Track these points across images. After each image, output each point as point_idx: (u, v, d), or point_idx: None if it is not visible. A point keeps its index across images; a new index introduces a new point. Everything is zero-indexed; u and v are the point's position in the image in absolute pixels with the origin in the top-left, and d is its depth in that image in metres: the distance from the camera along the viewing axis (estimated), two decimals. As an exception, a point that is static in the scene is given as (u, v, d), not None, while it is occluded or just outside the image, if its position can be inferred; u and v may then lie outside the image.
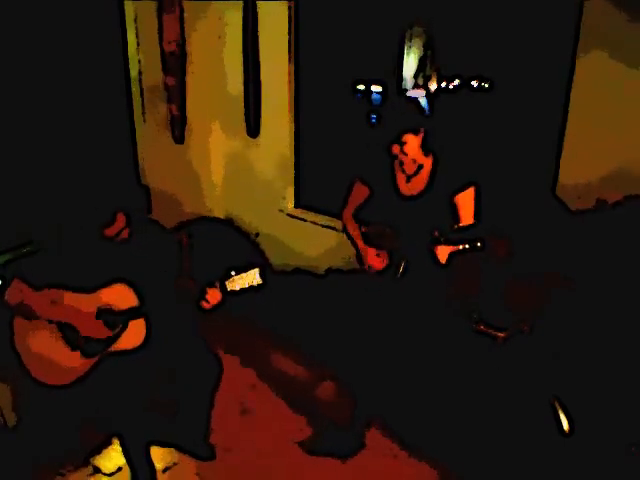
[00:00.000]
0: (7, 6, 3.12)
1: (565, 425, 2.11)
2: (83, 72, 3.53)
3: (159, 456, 2.31)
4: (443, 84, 3.04)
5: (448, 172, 2.12)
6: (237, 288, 2.01)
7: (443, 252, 2.05)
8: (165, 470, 2.29)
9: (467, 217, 2.10)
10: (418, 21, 2.99)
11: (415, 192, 2.15)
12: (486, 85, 2.88)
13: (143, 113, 3.83)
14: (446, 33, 2.92)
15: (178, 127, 3.74)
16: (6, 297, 1.88)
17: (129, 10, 3.59)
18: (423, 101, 3.26)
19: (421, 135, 2.06)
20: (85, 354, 1.97)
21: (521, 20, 2.61)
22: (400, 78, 3.11)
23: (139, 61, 3.70)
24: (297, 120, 3.48)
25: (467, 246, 1.98)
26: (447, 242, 2.01)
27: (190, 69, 3.61)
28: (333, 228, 3.32)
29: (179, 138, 3.78)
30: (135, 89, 3.80)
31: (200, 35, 3.53)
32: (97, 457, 2.35)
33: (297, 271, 3.61)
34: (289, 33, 3.25)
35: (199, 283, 2.04)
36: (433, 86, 3.07)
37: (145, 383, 2.01)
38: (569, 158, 2.46)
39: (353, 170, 2.37)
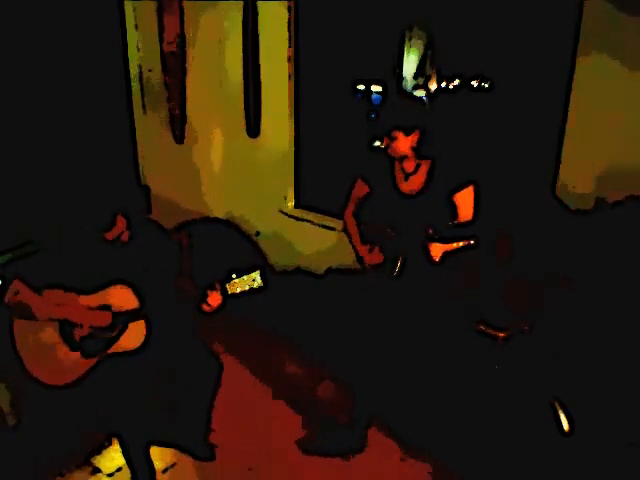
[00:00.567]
0: (7, 6, 3.12)
1: (565, 425, 2.11)
2: (83, 72, 3.53)
3: (159, 456, 2.30)
4: (443, 84, 3.04)
5: (448, 171, 2.12)
6: (238, 291, 2.02)
7: (437, 250, 2.05)
8: (165, 470, 2.29)
9: (466, 216, 2.11)
10: (418, 21, 2.99)
11: (414, 190, 2.15)
12: (486, 85, 2.88)
13: (143, 113, 3.84)
14: (446, 33, 2.92)
15: (178, 127, 3.74)
16: (6, 298, 1.88)
17: (129, 10, 3.60)
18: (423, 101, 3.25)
19: (414, 136, 2.05)
20: (85, 355, 1.97)
21: (521, 20, 2.61)
22: (400, 78, 3.10)
23: (139, 61, 3.70)
24: (297, 120, 3.48)
25: (461, 244, 1.98)
26: (441, 240, 2.01)
27: (190, 69, 3.61)
28: (333, 228, 3.33)
29: (179, 138, 3.78)
30: (135, 89, 3.80)
31: (200, 35, 3.53)
32: (97, 457, 2.35)
33: (297, 271, 3.61)
34: (289, 33, 3.25)
35: (199, 284, 2.04)
36: (433, 86, 3.07)
37: (145, 383, 2.01)
38: (569, 158, 2.46)
39: (353, 170, 2.37)
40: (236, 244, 3.81)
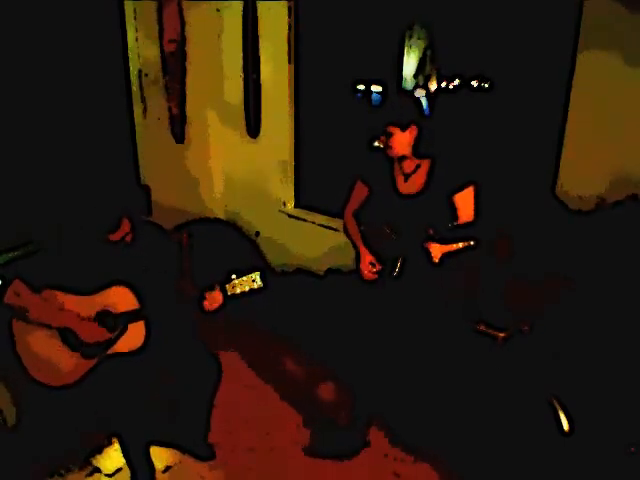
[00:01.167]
0: (7, 6, 3.12)
1: (565, 425, 2.11)
2: (83, 72, 3.53)
3: (159, 456, 2.30)
4: (443, 84, 3.04)
5: (448, 172, 2.12)
6: (237, 291, 2.01)
7: (436, 250, 2.05)
8: (165, 470, 2.29)
9: (466, 217, 2.10)
10: (418, 21, 2.99)
11: (413, 191, 2.15)
12: (486, 85, 2.88)
13: (143, 113, 3.84)
14: (446, 33, 2.92)
15: (178, 127, 3.74)
16: (6, 299, 1.88)
17: (129, 10, 3.60)
18: (423, 101, 3.25)
19: (411, 132, 2.05)
20: (85, 355, 1.96)
21: (521, 20, 2.61)
22: (400, 78, 3.11)
23: (139, 61, 3.70)
24: (297, 120, 3.48)
25: (460, 245, 1.98)
26: (441, 241, 2.01)
27: (190, 69, 3.61)
28: (333, 228, 3.32)
29: (179, 138, 3.78)
30: (135, 89, 3.80)
31: (200, 35, 3.53)
32: (97, 457, 2.35)
33: (297, 271, 3.61)
34: (289, 33, 3.25)
35: (199, 284, 2.04)
36: (433, 86, 3.07)
37: (145, 383, 2.01)
38: (569, 158, 2.45)
39: (353, 170, 2.37)
40: (236, 244, 3.80)
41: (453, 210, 2.11)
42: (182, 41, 3.53)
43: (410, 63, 3.09)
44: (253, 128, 3.56)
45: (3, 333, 1.95)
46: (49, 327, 1.93)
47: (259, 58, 3.39)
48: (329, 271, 3.32)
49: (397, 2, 2.97)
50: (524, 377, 2.26)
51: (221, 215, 3.96)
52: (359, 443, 2.38)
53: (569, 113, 2.41)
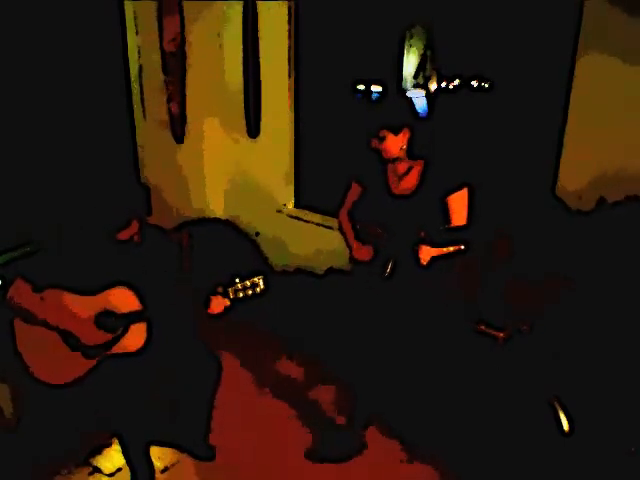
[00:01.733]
0: (7, 6, 3.12)
1: (565, 425, 2.11)
2: (83, 72, 3.53)
3: (159, 456, 2.31)
4: (443, 84, 3.04)
5: (443, 173, 2.10)
6: (240, 295, 2.01)
7: (426, 253, 2.03)
8: (165, 470, 2.29)
9: (459, 219, 2.08)
10: (418, 21, 2.99)
11: (406, 192, 2.15)
12: (486, 85, 2.88)
13: (143, 113, 3.84)
14: (446, 33, 2.92)
15: (178, 127, 3.74)
16: (8, 298, 1.88)
17: (129, 10, 3.59)
18: (423, 101, 3.26)
19: (404, 135, 2.03)
20: (86, 355, 1.96)
21: (521, 20, 2.61)
22: (400, 78, 3.11)
23: (139, 61, 3.70)
24: (297, 120, 3.48)
25: (451, 249, 1.96)
26: (431, 244, 1.99)
27: (190, 69, 3.61)
28: (333, 228, 3.32)
29: (179, 138, 3.78)
30: (135, 89, 3.80)
31: (200, 35, 3.53)
32: (97, 457, 2.35)
33: (297, 271, 3.61)
34: (289, 33, 3.25)
35: (199, 284, 2.04)
36: (433, 86, 3.08)
37: (145, 383, 2.01)
38: (569, 158, 2.46)
39: (352, 170, 2.37)
40: (236, 244, 3.80)
41: (446, 213, 2.09)
42: (182, 41, 3.53)
43: (410, 63, 3.09)
44: (253, 128, 3.57)
45: (4, 332, 1.95)
46: (50, 328, 1.92)
47: (259, 58, 3.39)
48: (329, 271, 3.32)
49: (397, 2, 2.97)
50: (524, 377, 2.26)
51: (221, 215, 3.96)
52: (359, 444, 2.38)
53: (569, 113, 2.41)
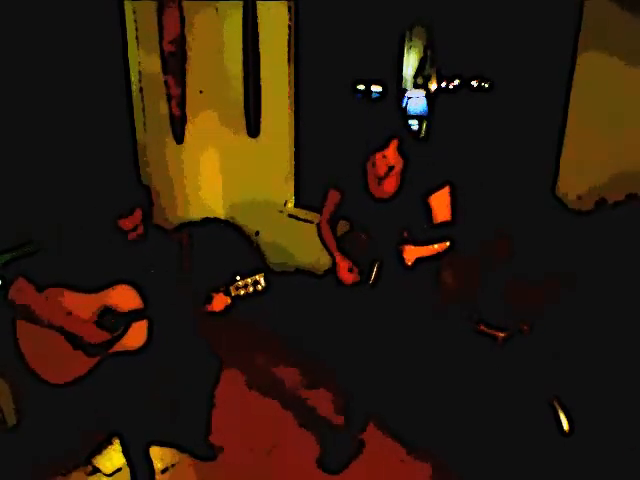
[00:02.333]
0: (7, 6, 3.12)
1: (565, 425, 2.11)
2: (83, 72, 3.53)
3: (159, 456, 2.31)
4: (443, 84, 3.04)
5: (447, 173, 2.10)
6: (242, 293, 2.02)
7: (410, 254, 2.02)
8: (165, 470, 2.29)
9: (443, 216, 2.05)
10: (418, 21, 3.00)
11: (387, 195, 2.11)
12: (486, 85, 2.88)
13: (143, 113, 3.83)
14: (446, 33, 2.93)
15: (178, 127, 3.74)
16: (9, 297, 1.88)
17: (129, 10, 3.59)
18: (423, 101, 3.26)
19: (393, 147, 2.02)
20: (87, 353, 1.96)
21: (521, 20, 2.61)
22: (400, 78, 3.11)
23: (139, 61, 3.70)
24: (297, 120, 3.48)
25: (436, 247, 1.95)
26: (415, 243, 1.98)
27: (190, 69, 3.61)
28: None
29: (179, 138, 3.78)
30: (135, 89, 3.80)
31: (200, 35, 3.53)
32: (97, 457, 2.35)
33: (297, 271, 3.61)
34: (289, 33, 3.25)
35: (200, 284, 2.04)
36: (433, 86, 3.08)
37: (145, 383, 2.01)
38: (569, 158, 2.46)
39: (353, 170, 2.36)
40: (236, 244, 3.81)
41: (428, 212, 2.06)
42: (182, 41, 3.53)
43: (410, 63, 3.09)
44: (253, 128, 3.57)
45: (5, 331, 1.95)
46: (51, 327, 1.92)
47: (259, 58, 3.39)
48: (329, 271, 3.32)
49: (397, 2, 2.97)
50: (524, 377, 2.26)
51: (221, 215, 3.96)
52: (358, 444, 2.38)
53: (569, 113, 2.41)
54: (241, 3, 3.31)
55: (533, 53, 2.60)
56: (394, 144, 2.00)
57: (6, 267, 1.95)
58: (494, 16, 2.69)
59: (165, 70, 3.60)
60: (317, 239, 3.43)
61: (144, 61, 3.68)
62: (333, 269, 2.27)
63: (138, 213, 1.98)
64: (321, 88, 3.40)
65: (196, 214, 3.85)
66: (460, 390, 2.37)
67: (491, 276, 2.40)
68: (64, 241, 2.10)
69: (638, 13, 2.15)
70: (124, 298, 1.97)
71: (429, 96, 3.09)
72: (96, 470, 2.29)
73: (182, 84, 3.63)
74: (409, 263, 2.02)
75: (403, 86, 3.14)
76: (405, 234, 2.01)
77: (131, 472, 2.11)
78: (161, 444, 2.35)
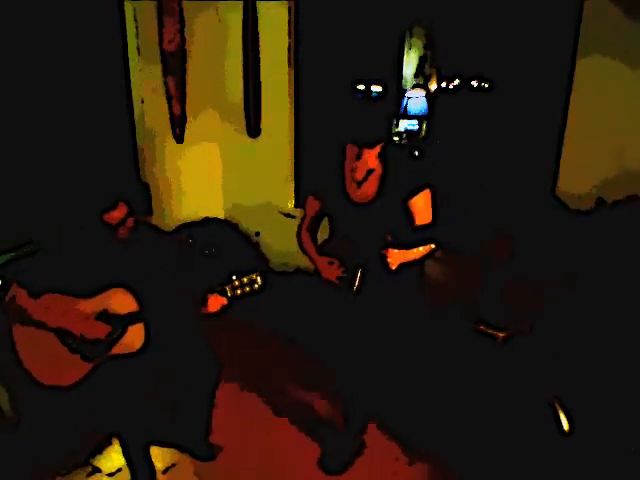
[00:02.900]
0: (7, 6, 3.12)
1: (565, 425, 2.11)
2: (83, 72, 3.53)
3: (159, 456, 2.30)
4: (443, 84, 3.04)
5: (446, 173, 2.10)
6: (238, 293, 2.01)
7: (395, 258, 2.01)
8: (165, 470, 2.29)
9: (424, 219, 2.04)
10: (418, 21, 3.00)
11: (366, 199, 2.09)
12: (486, 85, 2.88)
13: (143, 113, 3.84)
14: (446, 33, 2.93)
15: (178, 127, 3.74)
16: (6, 302, 1.87)
17: (129, 10, 3.60)
18: (423, 101, 3.25)
19: (379, 147, 2.01)
20: (84, 358, 1.96)
21: (521, 20, 2.61)
22: (400, 78, 3.11)
23: (139, 61, 3.70)
24: (297, 120, 3.48)
25: (421, 250, 1.95)
26: (399, 246, 1.97)
27: (190, 69, 3.61)
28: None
29: (179, 138, 3.78)
30: (135, 89, 3.80)
31: (200, 35, 3.53)
32: (97, 457, 2.35)
33: (297, 271, 3.61)
34: (289, 33, 3.25)
35: (199, 284, 2.04)
36: (433, 86, 3.08)
37: (145, 383, 2.01)
38: (569, 158, 2.46)
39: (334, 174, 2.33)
40: (236, 244, 3.80)
41: (409, 216, 2.05)
42: (182, 41, 3.53)
43: (410, 63, 3.09)
44: (253, 128, 3.57)
45: (3, 333, 1.94)
46: (47, 328, 1.92)
47: (259, 58, 3.39)
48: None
49: (397, 2, 2.97)
50: (524, 377, 2.26)
51: (221, 215, 3.96)
52: (358, 445, 2.38)
53: (569, 113, 2.41)
54: (241, 3, 3.31)
55: (533, 53, 2.60)
56: (377, 149, 1.99)
57: (6, 267, 1.95)
58: (494, 16, 2.69)
59: (165, 70, 3.60)
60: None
61: (144, 61, 3.69)
62: (318, 274, 2.26)
63: (122, 207, 1.96)
64: (321, 88, 3.40)
65: (196, 214, 3.85)
66: (460, 390, 2.37)
67: (491, 276, 2.40)
68: (62, 242, 2.09)
69: (638, 13, 2.15)
70: (121, 302, 1.96)
71: (429, 96, 3.09)
72: (96, 470, 2.29)
73: (182, 84, 3.63)
74: (393, 267, 2.01)
75: (403, 86, 3.14)
76: (389, 238, 2.00)
77: (131, 472, 2.11)
78: (161, 444, 2.34)
